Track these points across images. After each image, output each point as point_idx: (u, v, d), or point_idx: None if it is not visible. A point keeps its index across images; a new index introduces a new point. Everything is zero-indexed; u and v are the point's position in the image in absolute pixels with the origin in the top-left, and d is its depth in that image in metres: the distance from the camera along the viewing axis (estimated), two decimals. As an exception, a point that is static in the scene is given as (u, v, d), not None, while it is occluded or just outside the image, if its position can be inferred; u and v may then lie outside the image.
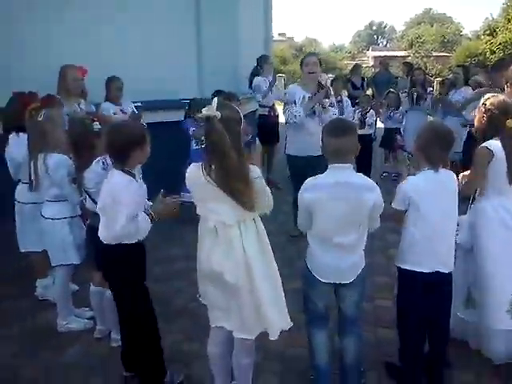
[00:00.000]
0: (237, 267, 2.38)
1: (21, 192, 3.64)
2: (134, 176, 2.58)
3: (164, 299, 3.75)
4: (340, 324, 2.72)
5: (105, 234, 2.53)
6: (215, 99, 2.32)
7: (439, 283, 2.64)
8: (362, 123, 7.19)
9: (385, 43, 62.30)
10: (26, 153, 3.35)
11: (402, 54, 41.61)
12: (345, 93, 10.56)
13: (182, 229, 4.66)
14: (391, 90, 8.24)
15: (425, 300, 2.63)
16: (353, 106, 7.49)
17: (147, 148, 2.59)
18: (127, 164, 2.55)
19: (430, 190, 2.60)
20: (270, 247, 2.50)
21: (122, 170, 2.54)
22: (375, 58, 41.44)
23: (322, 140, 2.54)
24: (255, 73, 7.35)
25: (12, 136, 3.67)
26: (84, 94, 4.56)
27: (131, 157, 2.52)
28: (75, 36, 5.70)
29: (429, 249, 2.61)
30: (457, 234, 2.85)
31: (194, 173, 2.39)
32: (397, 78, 10.63)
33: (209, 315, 2.59)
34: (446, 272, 2.65)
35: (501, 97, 2.99)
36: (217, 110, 2.25)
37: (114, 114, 5.15)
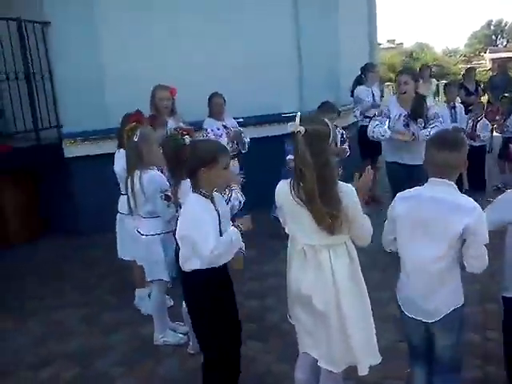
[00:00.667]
0: (325, 292, 2.25)
1: (122, 203, 3.84)
2: (212, 199, 2.50)
3: (256, 316, 3.71)
4: (432, 364, 2.42)
5: (189, 264, 2.49)
6: (299, 113, 2.19)
7: None
8: (473, 134, 6.65)
9: (505, 43, 57.93)
10: (124, 166, 3.50)
11: (525, 54, 38.34)
12: (458, 99, 9.95)
13: (277, 244, 4.60)
14: (505, 94, 7.54)
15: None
16: (466, 114, 7.06)
17: (219, 171, 2.45)
18: (200, 186, 2.47)
19: None
20: (361, 275, 2.33)
21: (199, 193, 2.47)
22: (493, 60, 38.69)
23: (425, 150, 2.30)
24: (358, 82, 7.02)
25: (116, 152, 3.93)
26: (174, 113, 4.65)
27: (200, 179, 2.44)
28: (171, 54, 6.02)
29: None
30: None
31: (283, 190, 2.30)
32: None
33: (298, 339, 2.48)
34: None
35: None
36: (301, 124, 2.14)
37: (218, 129, 5.27)
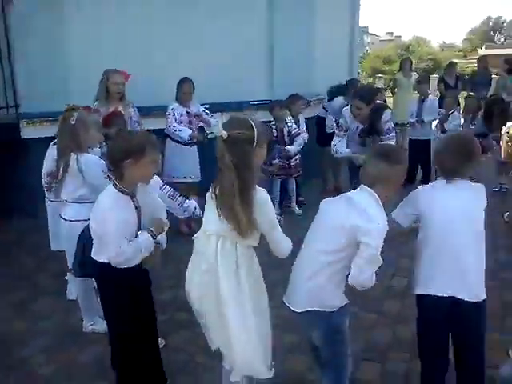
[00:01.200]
0: (202, 284, 2.28)
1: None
2: (132, 196, 2.41)
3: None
4: None
5: (99, 257, 2.45)
6: (222, 118, 2.27)
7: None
8: (443, 126, 6.60)
9: (502, 40, 57.77)
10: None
11: (521, 51, 38.20)
12: (437, 93, 9.86)
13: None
14: (471, 93, 7.55)
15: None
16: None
17: (145, 165, 2.35)
18: (123, 181, 2.37)
19: None
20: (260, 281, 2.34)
21: (117, 188, 2.38)
22: (489, 56, 38.42)
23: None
24: (340, 91, 6.68)
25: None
26: (123, 99, 4.57)
27: (122, 172, 2.34)
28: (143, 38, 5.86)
29: None
30: None
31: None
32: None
33: None
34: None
35: None
36: (225, 128, 2.14)
37: (181, 115, 5.19)
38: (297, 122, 5.98)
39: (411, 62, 9.44)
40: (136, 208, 2.43)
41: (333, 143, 4.92)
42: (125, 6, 5.88)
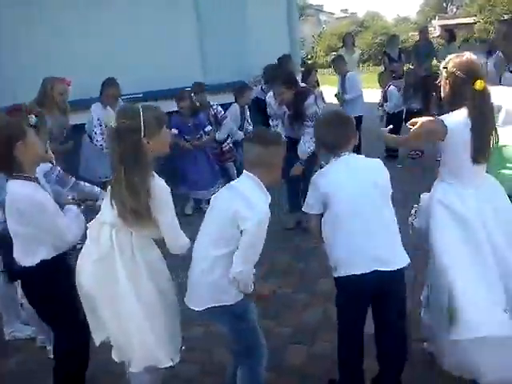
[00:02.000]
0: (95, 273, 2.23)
1: None
2: (37, 181, 2.33)
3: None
4: None
5: (32, 258, 2.32)
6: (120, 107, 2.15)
7: None
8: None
9: (454, 10, 58.57)
10: None
11: (471, 20, 38.79)
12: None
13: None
14: (410, 67, 7.63)
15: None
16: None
17: (32, 144, 2.27)
18: (20, 168, 2.26)
19: None
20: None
21: (22, 178, 2.26)
22: (441, 27, 39.01)
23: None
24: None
25: None
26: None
27: (17, 159, 2.23)
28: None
29: None
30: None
31: None
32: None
33: None
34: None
35: (466, 55, 2.42)
36: (117, 118, 2.13)
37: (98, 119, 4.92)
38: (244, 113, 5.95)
39: (353, 38, 9.38)
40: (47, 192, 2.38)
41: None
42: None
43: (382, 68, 9.96)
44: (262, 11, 7.57)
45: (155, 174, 2.16)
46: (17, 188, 2.25)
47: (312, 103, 4.49)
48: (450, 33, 9.27)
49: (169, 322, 2.28)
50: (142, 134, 2.10)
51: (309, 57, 35.11)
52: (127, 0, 6.22)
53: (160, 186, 2.14)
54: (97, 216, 2.33)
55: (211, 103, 5.77)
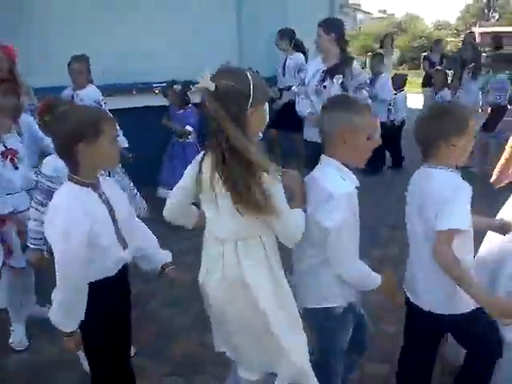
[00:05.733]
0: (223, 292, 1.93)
1: None
2: (95, 187, 1.94)
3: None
4: None
5: None
6: (207, 70, 1.77)
7: None
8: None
9: (497, 17, 57.06)
10: None
11: (514, 29, 37.62)
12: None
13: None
14: (438, 67, 7.29)
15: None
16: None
17: (104, 145, 1.87)
18: (77, 170, 1.89)
19: None
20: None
21: (74, 181, 1.90)
22: (482, 34, 37.97)
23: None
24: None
25: None
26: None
27: (76, 159, 1.86)
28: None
29: None
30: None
31: (192, 171, 1.95)
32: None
33: None
34: None
35: None
36: (212, 80, 1.75)
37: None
38: None
39: (392, 39, 9.03)
40: (104, 202, 1.96)
41: (296, 103, 4.46)
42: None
43: (419, 72, 9.58)
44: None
45: None
46: (58, 192, 1.95)
47: (362, 71, 4.14)
48: (496, 40, 8.86)
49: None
50: (250, 103, 1.76)
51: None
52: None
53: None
54: (206, 230, 2.01)
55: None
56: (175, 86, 4.95)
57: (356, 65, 4.07)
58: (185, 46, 5.91)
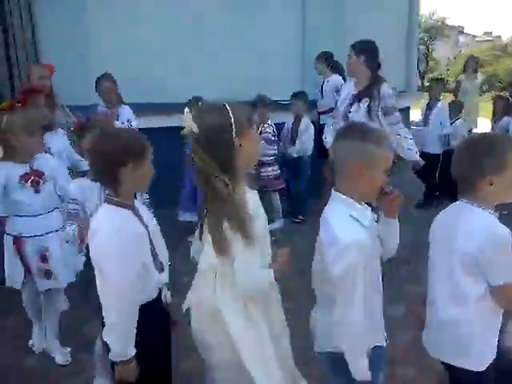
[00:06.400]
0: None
1: None
2: (134, 210, 1.93)
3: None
4: None
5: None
6: (186, 110, 1.79)
7: None
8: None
9: None
10: None
11: None
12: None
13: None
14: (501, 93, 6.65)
15: None
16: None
17: (146, 167, 1.88)
18: (118, 191, 1.88)
19: None
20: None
21: (115, 203, 1.88)
22: None
23: None
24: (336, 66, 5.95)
25: None
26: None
27: (120, 181, 1.84)
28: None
29: None
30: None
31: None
32: None
33: None
34: None
35: None
36: (194, 118, 1.76)
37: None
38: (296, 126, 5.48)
39: (477, 63, 8.49)
40: (144, 225, 1.95)
41: (324, 131, 4.34)
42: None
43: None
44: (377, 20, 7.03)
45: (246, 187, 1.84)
46: (98, 215, 1.93)
47: (391, 94, 3.88)
48: None
49: None
50: (234, 133, 1.74)
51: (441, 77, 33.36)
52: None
53: (254, 201, 1.82)
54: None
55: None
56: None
57: (386, 87, 3.86)
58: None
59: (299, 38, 6.42)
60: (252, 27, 6.08)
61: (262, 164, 5.08)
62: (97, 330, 2.38)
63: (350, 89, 4.04)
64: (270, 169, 5.23)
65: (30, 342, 3.25)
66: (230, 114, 1.74)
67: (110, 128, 3.06)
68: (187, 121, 1.76)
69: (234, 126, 1.73)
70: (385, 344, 1.94)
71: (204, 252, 1.91)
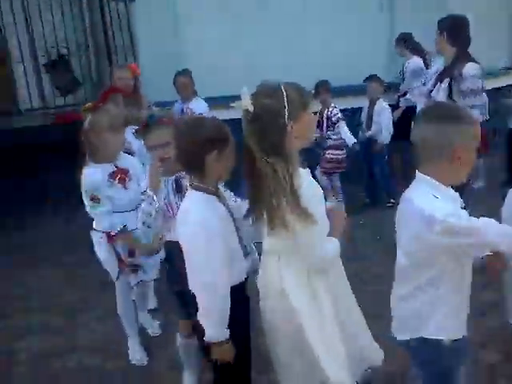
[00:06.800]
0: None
1: None
2: (219, 196, 1.99)
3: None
4: None
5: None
6: (244, 89, 1.77)
7: None
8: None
9: None
10: None
11: None
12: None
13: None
14: None
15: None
16: None
17: (230, 153, 1.93)
18: (204, 178, 1.93)
19: None
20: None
21: (203, 190, 1.94)
22: None
23: None
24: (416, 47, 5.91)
25: None
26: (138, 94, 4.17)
27: (206, 168, 1.89)
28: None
29: None
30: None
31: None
32: None
33: None
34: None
35: None
36: (252, 99, 1.77)
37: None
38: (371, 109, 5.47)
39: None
40: (229, 212, 2.01)
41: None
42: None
43: None
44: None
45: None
46: (185, 203, 2.00)
47: (475, 74, 3.61)
48: None
49: None
50: (286, 116, 1.75)
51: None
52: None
53: (307, 180, 1.85)
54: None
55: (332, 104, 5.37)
56: None
57: (470, 68, 3.59)
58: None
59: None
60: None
61: (329, 146, 5.27)
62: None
63: (438, 66, 3.95)
64: (336, 152, 5.33)
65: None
66: (285, 97, 1.74)
67: (193, 116, 3.21)
68: (245, 100, 1.77)
69: (287, 110, 1.74)
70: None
71: (264, 235, 1.95)
